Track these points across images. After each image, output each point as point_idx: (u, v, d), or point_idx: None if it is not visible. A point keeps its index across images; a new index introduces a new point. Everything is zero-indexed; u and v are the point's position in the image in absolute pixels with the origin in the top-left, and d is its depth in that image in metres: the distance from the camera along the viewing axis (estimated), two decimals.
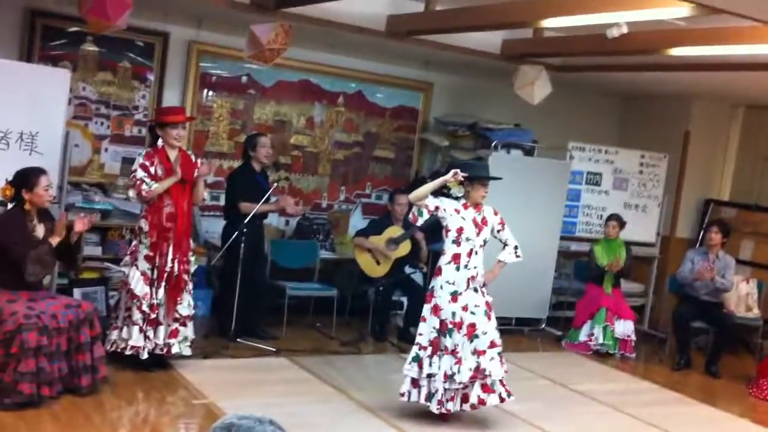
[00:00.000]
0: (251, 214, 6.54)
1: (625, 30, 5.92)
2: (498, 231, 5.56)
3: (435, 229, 7.83)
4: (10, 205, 5.22)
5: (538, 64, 7.66)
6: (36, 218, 5.19)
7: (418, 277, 7.90)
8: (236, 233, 6.49)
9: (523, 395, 6.09)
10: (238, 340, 6.65)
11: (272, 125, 8.10)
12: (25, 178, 5.12)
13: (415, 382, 5.39)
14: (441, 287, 5.36)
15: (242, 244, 6.48)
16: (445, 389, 5.30)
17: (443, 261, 5.42)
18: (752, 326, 8.35)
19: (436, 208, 5.39)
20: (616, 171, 9.18)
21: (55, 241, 5.13)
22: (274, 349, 6.67)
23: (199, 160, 6.04)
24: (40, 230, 5.18)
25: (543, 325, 8.64)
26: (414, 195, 5.40)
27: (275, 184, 7.08)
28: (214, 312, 7.33)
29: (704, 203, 9.68)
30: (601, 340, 7.90)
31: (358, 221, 8.53)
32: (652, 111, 9.83)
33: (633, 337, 8.00)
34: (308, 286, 7.69)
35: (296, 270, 7.75)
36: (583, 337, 8.01)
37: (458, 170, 5.30)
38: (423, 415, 5.45)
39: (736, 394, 7.17)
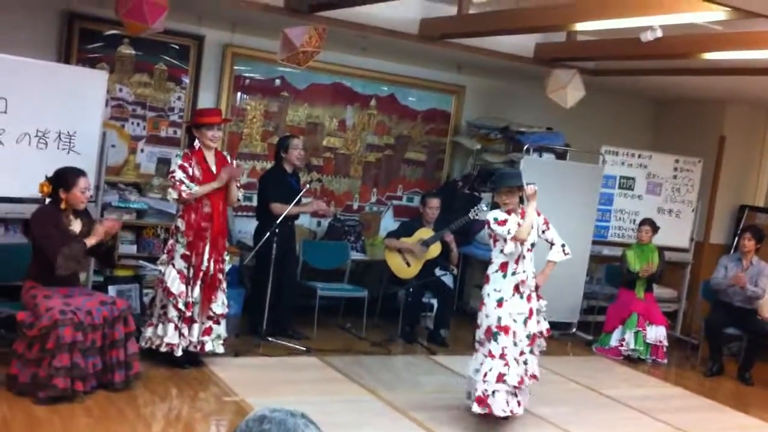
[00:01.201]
0: (282, 215, 6.60)
1: (659, 34, 5.90)
2: (543, 231, 5.59)
3: (466, 231, 7.91)
4: (47, 201, 5.29)
5: (572, 68, 7.65)
6: (72, 214, 5.25)
7: (448, 279, 7.92)
8: (268, 234, 6.55)
9: (553, 399, 6.09)
10: (269, 339, 6.70)
11: (305, 127, 8.16)
12: (64, 178, 5.18)
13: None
14: (488, 295, 5.42)
15: (274, 245, 6.53)
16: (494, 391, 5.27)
17: (491, 270, 5.47)
18: None
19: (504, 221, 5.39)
20: (649, 175, 9.12)
21: (91, 242, 5.20)
22: (305, 349, 6.72)
23: (234, 162, 6.13)
24: (76, 225, 5.25)
25: (574, 330, 8.61)
26: (521, 235, 5.31)
27: (307, 186, 7.13)
28: (246, 311, 7.40)
29: (739, 209, 9.59)
30: (632, 346, 7.84)
31: (389, 223, 8.57)
32: (686, 116, 9.75)
33: (665, 343, 7.93)
34: (339, 287, 7.73)
35: (327, 271, 7.81)
36: (614, 342, 7.97)
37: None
38: (452, 415, 5.47)
39: None
